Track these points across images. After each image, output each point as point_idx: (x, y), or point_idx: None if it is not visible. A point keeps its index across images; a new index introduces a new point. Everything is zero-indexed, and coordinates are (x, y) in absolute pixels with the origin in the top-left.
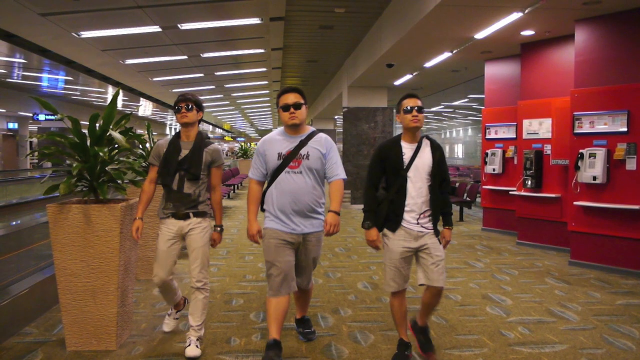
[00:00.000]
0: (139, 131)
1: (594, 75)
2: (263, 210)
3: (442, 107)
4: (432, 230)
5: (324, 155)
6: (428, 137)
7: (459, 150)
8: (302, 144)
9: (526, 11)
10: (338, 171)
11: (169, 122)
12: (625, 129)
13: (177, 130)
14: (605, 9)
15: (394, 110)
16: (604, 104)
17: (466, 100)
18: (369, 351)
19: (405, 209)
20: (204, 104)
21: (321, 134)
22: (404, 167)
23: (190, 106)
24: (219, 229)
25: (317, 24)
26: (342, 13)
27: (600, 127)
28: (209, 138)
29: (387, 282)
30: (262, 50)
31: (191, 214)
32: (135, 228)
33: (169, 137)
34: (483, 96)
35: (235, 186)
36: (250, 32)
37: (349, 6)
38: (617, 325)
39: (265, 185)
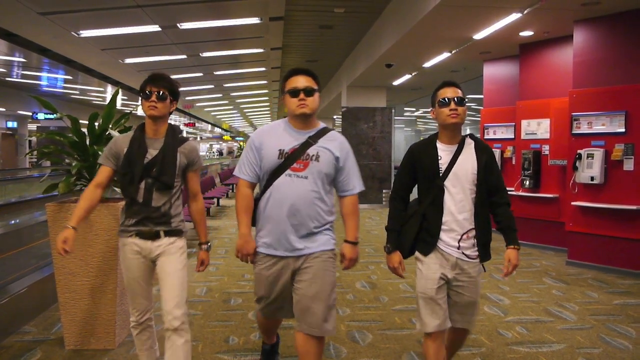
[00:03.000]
0: None
1: (592, 76)
2: (254, 224)
3: None
4: (475, 261)
5: (338, 160)
6: (472, 137)
7: None
8: (311, 141)
9: (525, 12)
10: (355, 183)
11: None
12: (623, 130)
13: (141, 123)
14: (604, 10)
15: (393, 110)
16: (602, 104)
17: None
18: (368, 350)
19: (443, 227)
20: (202, 103)
21: (335, 133)
22: (440, 174)
23: (162, 93)
24: (205, 247)
25: (317, 24)
26: (341, 13)
27: (598, 128)
28: (181, 133)
29: (422, 319)
30: (262, 50)
31: (162, 233)
32: (62, 238)
33: (131, 132)
34: (482, 96)
35: (234, 185)
36: (250, 32)
37: (349, 6)
38: (614, 324)
39: (258, 190)
